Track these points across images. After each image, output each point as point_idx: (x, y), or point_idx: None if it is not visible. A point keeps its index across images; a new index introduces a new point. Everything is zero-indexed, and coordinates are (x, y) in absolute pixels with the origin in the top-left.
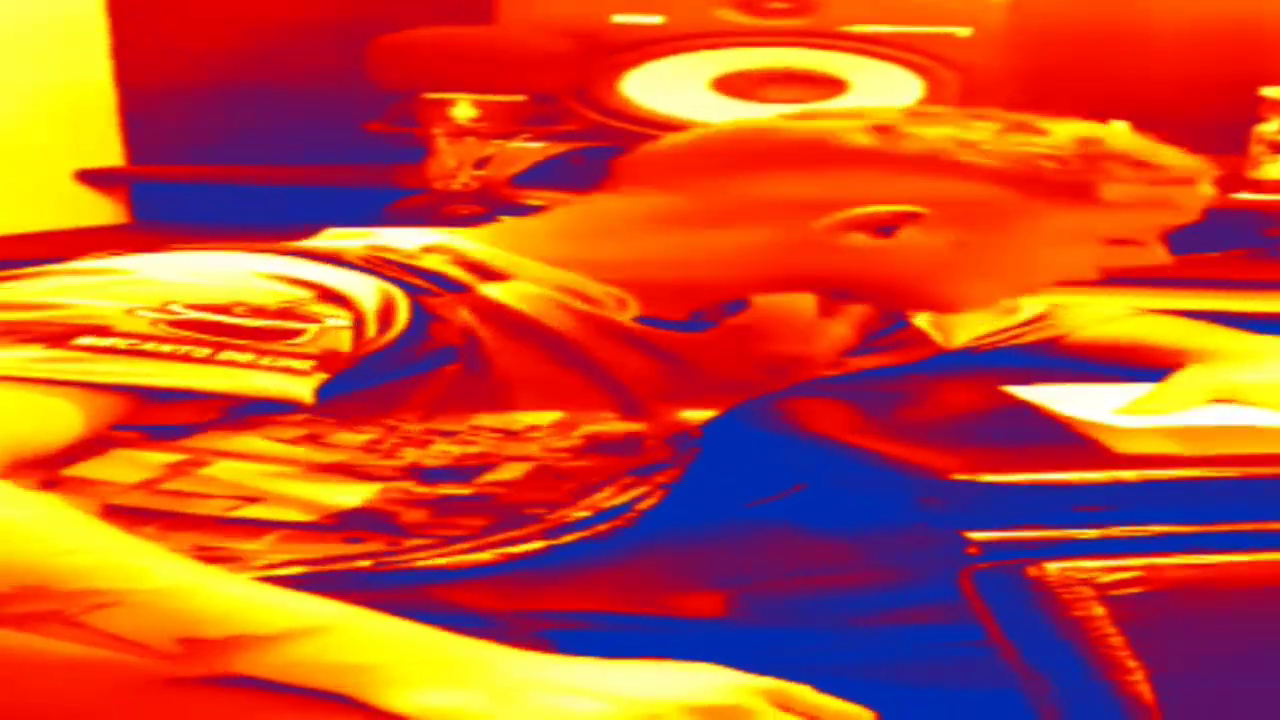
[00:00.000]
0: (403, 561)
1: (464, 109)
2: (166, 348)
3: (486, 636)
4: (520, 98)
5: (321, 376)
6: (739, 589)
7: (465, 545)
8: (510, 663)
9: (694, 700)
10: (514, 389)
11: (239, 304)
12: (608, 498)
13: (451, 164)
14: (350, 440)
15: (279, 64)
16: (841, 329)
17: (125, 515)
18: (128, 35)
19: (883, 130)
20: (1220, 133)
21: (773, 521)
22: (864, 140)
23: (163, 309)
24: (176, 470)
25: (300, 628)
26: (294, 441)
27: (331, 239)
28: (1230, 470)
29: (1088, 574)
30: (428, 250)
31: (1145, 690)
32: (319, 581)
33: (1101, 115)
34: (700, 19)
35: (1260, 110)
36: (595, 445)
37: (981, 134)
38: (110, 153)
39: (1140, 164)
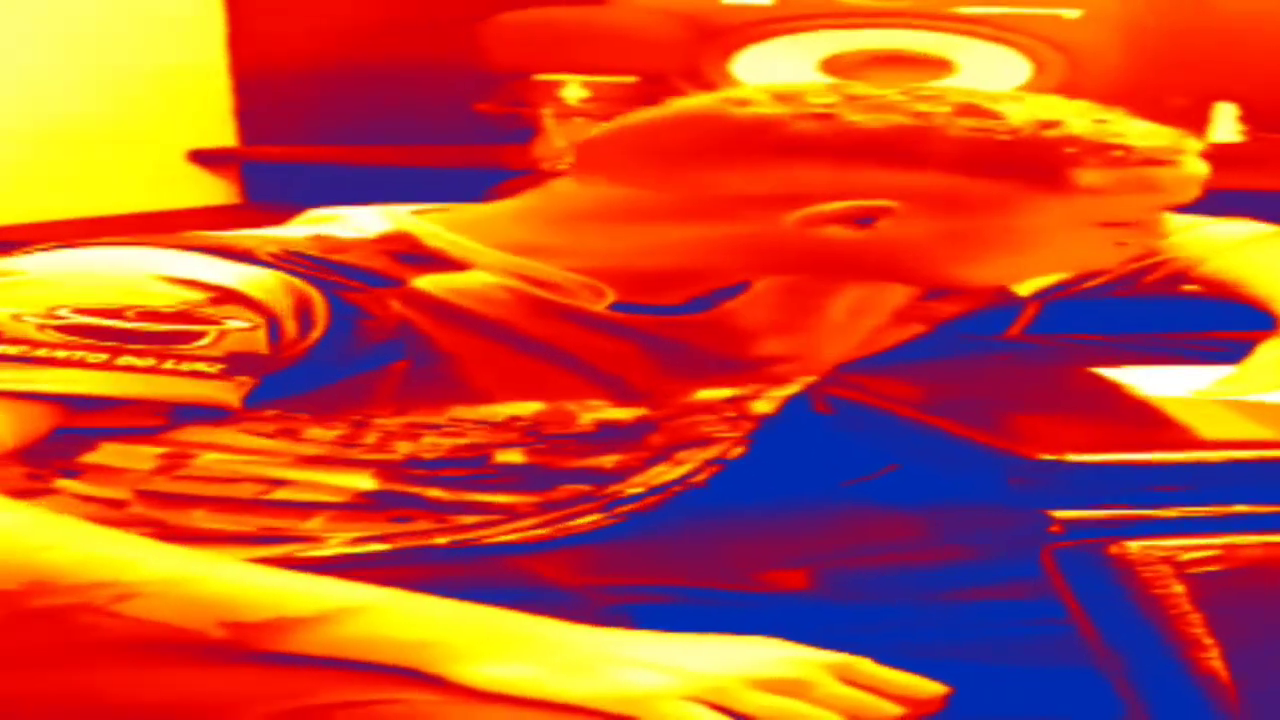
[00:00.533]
0: (480, 537)
1: (574, 90)
2: (60, 354)
3: (567, 611)
4: (630, 79)
5: (244, 381)
6: (821, 564)
7: (530, 521)
8: (571, 636)
9: (757, 674)
10: (480, 381)
11: (130, 307)
12: (661, 474)
13: (560, 145)
14: (323, 436)
15: (391, 45)
16: (867, 319)
17: (163, 501)
18: (243, 17)
19: (823, 117)
20: None
21: (855, 498)
22: (805, 127)
23: (49, 314)
24: (171, 462)
25: (337, 608)
26: (272, 435)
27: (305, 223)
28: None
29: (1168, 552)
30: (384, 237)
31: (1220, 667)
32: (401, 557)
33: (1212, 100)
34: (810, 2)
35: None
36: (606, 431)
37: (933, 114)
38: (224, 134)
39: (1106, 148)
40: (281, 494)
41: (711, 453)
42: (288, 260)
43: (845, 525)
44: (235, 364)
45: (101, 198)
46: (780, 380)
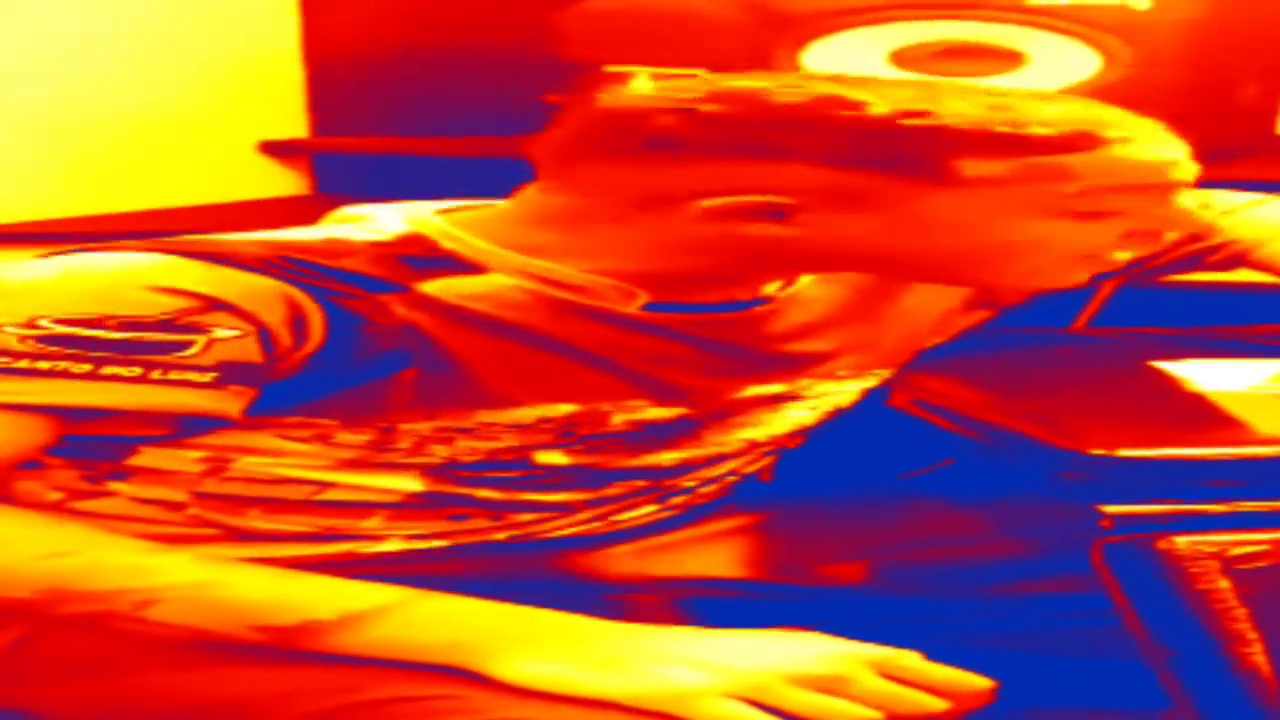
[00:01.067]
0: (537, 532)
1: (643, 81)
2: (43, 365)
3: (621, 604)
4: (699, 71)
5: (242, 390)
6: (877, 558)
7: (586, 515)
8: (611, 632)
9: (798, 670)
10: (503, 385)
11: (112, 317)
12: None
13: None
14: (354, 440)
15: (462, 35)
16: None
17: (221, 502)
18: (317, 5)
19: (682, 112)
20: None
21: (910, 492)
22: (665, 121)
23: (29, 324)
24: (214, 465)
25: (365, 609)
26: (307, 440)
27: (328, 224)
28: None
29: (1216, 547)
30: (399, 239)
31: (1263, 661)
32: (461, 552)
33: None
34: None
35: None
36: (648, 430)
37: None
38: (295, 124)
39: (993, 135)
40: (332, 495)
41: (773, 429)
42: (282, 266)
43: (900, 519)
44: (229, 373)
45: (174, 189)
46: (831, 375)
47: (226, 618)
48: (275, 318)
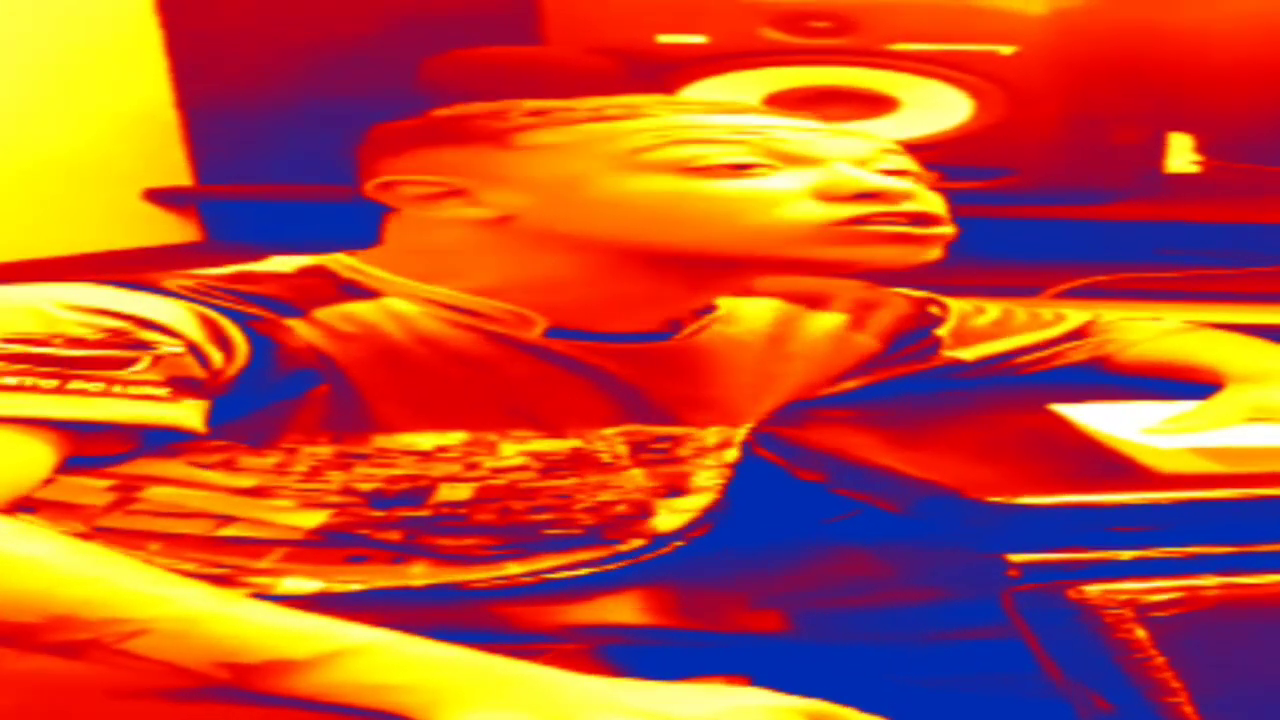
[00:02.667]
0: (457, 580)
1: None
2: (10, 380)
3: (543, 653)
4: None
5: (196, 404)
6: (794, 605)
7: (507, 564)
8: (560, 682)
9: None
10: (393, 411)
11: (55, 335)
12: (658, 524)
13: None
14: (258, 464)
15: (334, 80)
16: (854, 344)
17: (121, 536)
18: (184, 53)
19: None
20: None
21: (821, 540)
22: None
23: None
24: (121, 495)
25: (334, 650)
26: (211, 467)
27: (271, 265)
28: (1269, 490)
29: (1128, 595)
30: (300, 270)
31: (1191, 712)
32: (376, 598)
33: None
34: (744, 38)
35: None
36: (552, 465)
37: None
38: (180, 172)
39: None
40: (231, 530)
41: (703, 501)
42: (195, 291)
43: (813, 566)
44: (179, 387)
45: (61, 240)
46: (709, 425)
47: (201, 653)
48: (200, 336)
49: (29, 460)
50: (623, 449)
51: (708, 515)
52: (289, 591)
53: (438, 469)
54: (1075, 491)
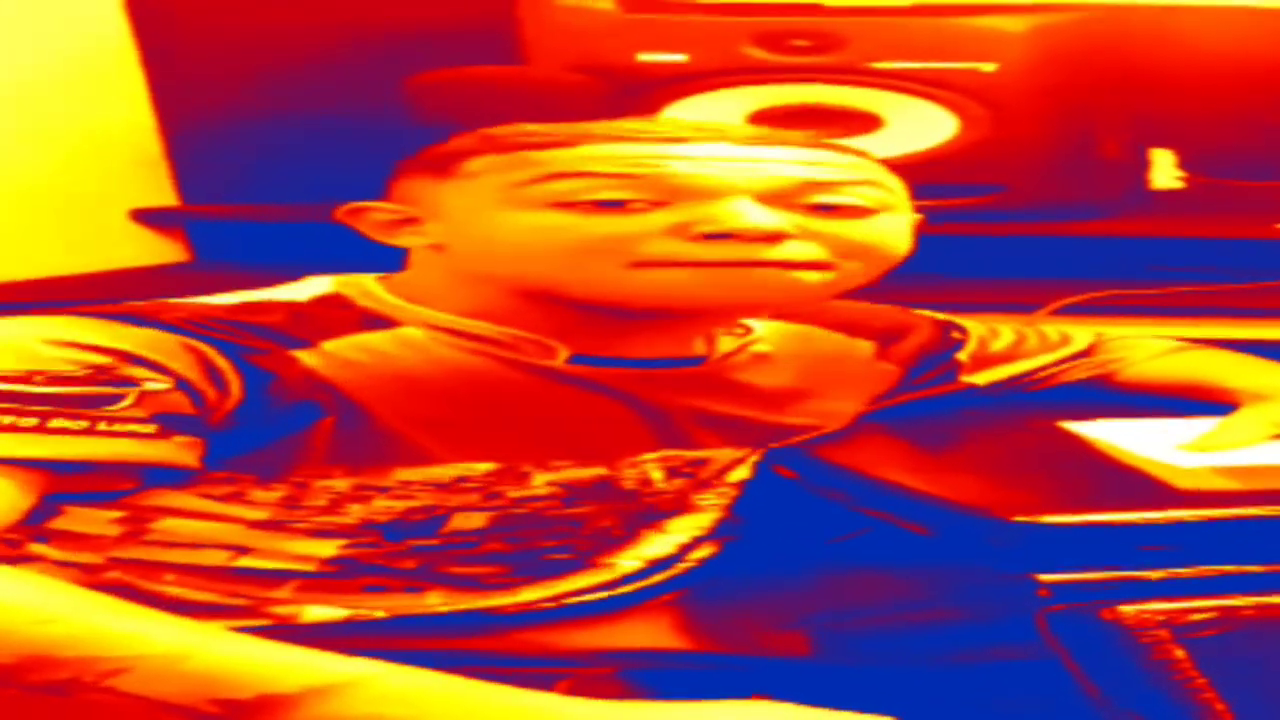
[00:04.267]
0: (477, 607)
1: None
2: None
3: (564, 677)
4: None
5: (190, 442)
6: (818, 627)
7: (521, 589)
8: (568, 710)
9: None
10: (418, 442)
11: (36, 373)
12: (653, 543)
13: None
14: (268, 498)
15: (317, 100)
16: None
17: (135, 568)
18: (163, 74)
19: None
20: (1261, 160)
21: (843, 561)
22: None
23: None
24: (133, 527)
25: (324, 684)
26: (223, 499)
27: (285, 292)
28: None
29: (1163, 615)
30: (316, 299)
31: None
32: (400, 625)
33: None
34: (726, 57)
35: None
36: (577, 493)
37: None
38: (165, 193)
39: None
40: (249, 560)
41: (704, 521)
42: (191, 323)
43: (837, 587)
44: (168, 425)
45: (49, 261)
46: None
47: (191, 689)
48: (190, 371)
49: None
50: (658, 474)
51: (712, 535)
52: (315, 620)
53: (455, 499)
54: (1100, 510)
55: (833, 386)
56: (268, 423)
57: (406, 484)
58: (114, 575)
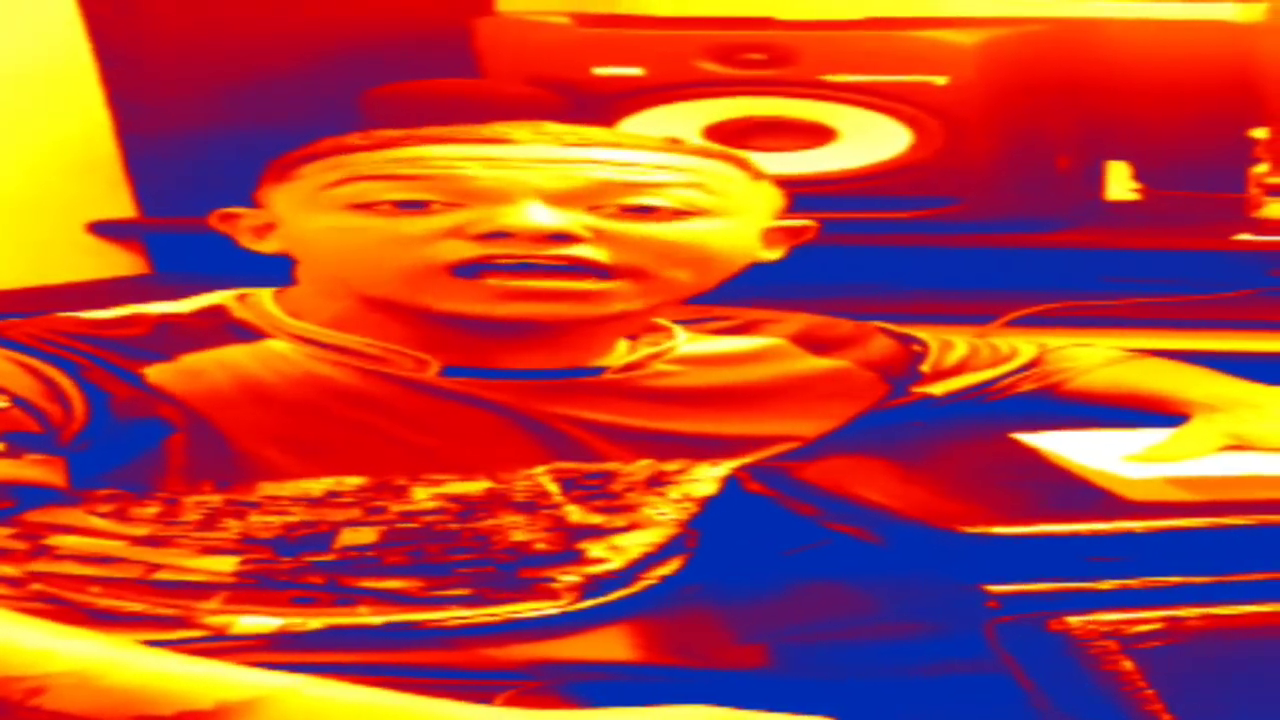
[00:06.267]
0: (413, 621)
1: None
2: None
3: (504, 689)
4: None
5: (47, 458)
6: (773, 640)
7: (451, 607)
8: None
9: None
10: (278, 456)
11: None
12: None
13: None
14: (145, 514)
15: (274, 111)
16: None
17: (58, 581)
18: (120, 84)
19: None
20: (1215, 172)
21: (797, 574)
22: None
23: None
24: (31, 544)
25: (242, 699)
26: (106, 516)
27: (168, 305)
28: (1243, 518)
29: (1110, 626)
30: (200, 310)
31: None
32: (336, 636)
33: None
34: (681, 70)
35: (1252, 152)
36: (469, 506)
37: None
38: (123, 204)
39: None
40: (162, 575)
41: (655, 536)
42: (37, 339)
43: (791, 601)
44: (16, 443)
45: (3, 272)
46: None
47: (110, 706)
48: (26, 389)
49: None
50: (553, 487)
51: (667, 550)
52: (247, 630)
53: (335, 514)
54: (1049, 521)
55: (796, 400)
56: (120, 439)
57: (275, 499)
58: (38, 588)
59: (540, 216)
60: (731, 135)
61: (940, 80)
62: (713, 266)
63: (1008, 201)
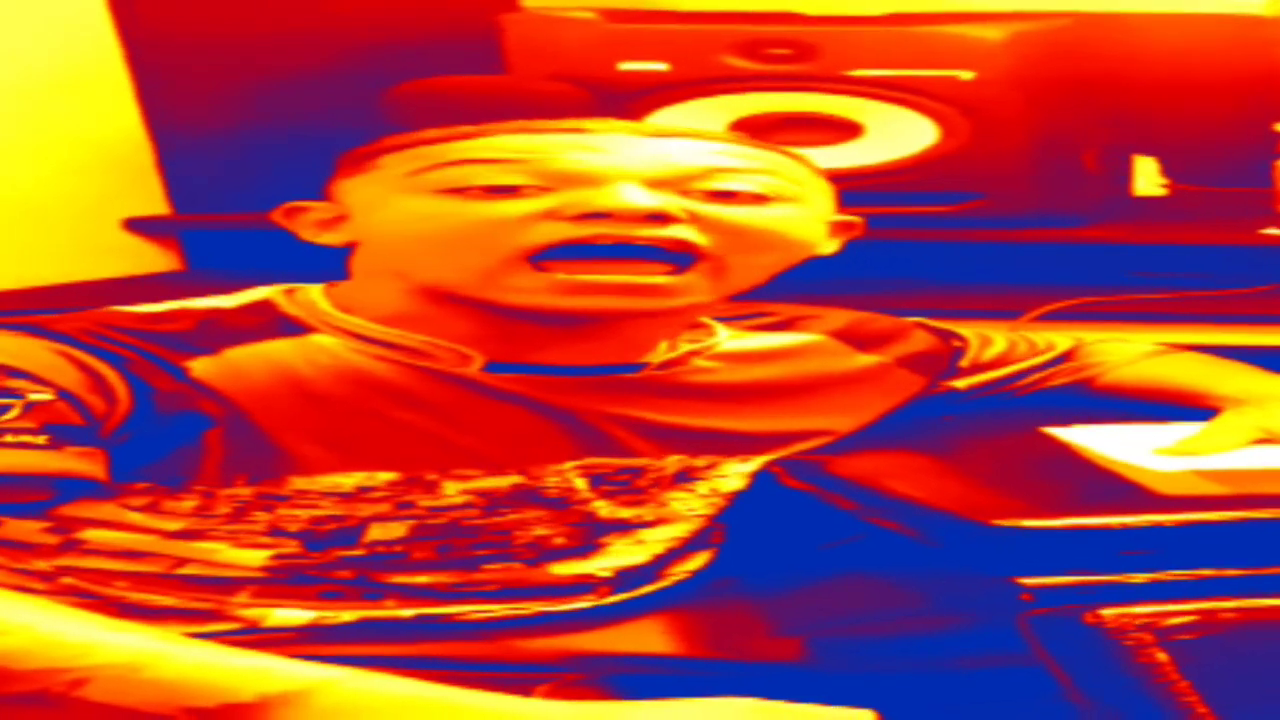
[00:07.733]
0: (447, 614)
1: None
2: None
3: (542, 682)
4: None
5: (89, 450)
6: (810, 633)
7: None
8: (542, 712)
9: None
10: (312, 450)
11: None
12: (627, 551)
13: None
14: (179, 508)
15: (304, 108)
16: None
17: (85, 575)
18: (152, 82)
19: None
20: (1242, 167)
21: (832, 568)
22: None
23: None
24: (62, 538)
25: (287, 690)
26: (140, 510)
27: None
28: (1273, 512)
29: (1145, 619)
30: (247, 305)
31: None
32: (369, 629)
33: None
34: (706, 66)
35: (1278, 146)
36: (497, 501)
37: None
38: (156, 201)
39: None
40: (189, 570)
41: (681, 531)
42: (85, 333)
43: (827, 594)
44: (59, 436)
45: (43, 270)
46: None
47: (158, 697)
48: (71, 382)
49: None
50: (580, 482)
51: (692, 544)
52: (281, 623)
53: (364, 509)
54: (1082, 514)
55: (836, 396)
56: (160, 433)
57: (305, 493)
58: (69, 581)
59: (638, 197)
60: (757, 130)
61: (966, 75)
62: (791, 252)
63: (1034, 196)
